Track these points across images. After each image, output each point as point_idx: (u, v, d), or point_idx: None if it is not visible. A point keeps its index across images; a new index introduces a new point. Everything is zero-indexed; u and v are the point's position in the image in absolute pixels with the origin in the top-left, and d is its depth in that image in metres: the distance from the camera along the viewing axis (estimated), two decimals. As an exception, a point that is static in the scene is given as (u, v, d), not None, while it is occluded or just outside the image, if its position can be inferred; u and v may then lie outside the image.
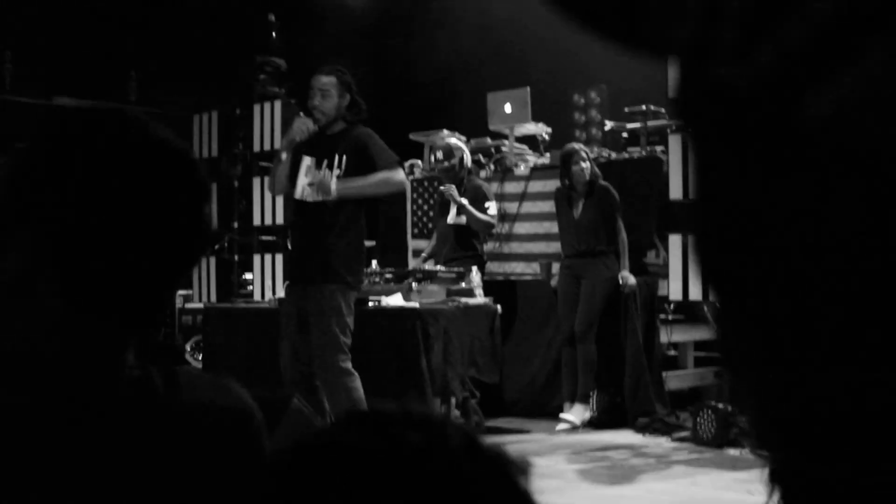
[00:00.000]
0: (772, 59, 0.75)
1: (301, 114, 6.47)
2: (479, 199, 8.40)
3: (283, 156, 6.33)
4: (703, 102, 0.83)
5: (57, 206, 1.21)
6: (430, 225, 9.66)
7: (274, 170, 6.48)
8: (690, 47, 0.88)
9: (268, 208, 10.08)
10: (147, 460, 1.21)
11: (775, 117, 0.75)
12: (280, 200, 9.75)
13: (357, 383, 6.09)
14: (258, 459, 1.29)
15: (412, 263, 9.46)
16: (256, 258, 10.05)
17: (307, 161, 6.24)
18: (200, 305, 10.47)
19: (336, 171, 6.12)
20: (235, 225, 10.64)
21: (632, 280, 7.94)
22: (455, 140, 8.70)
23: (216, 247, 10.78)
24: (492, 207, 8.41)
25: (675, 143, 7.85)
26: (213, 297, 10.36)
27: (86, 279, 1.22)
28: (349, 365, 6.09)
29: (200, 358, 10.05)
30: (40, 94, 11.95)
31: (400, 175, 6.24)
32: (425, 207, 9.96)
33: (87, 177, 1.22)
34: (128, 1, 13.08)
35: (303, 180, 6.24)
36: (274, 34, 10.64)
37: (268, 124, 10.18)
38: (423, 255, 8.87)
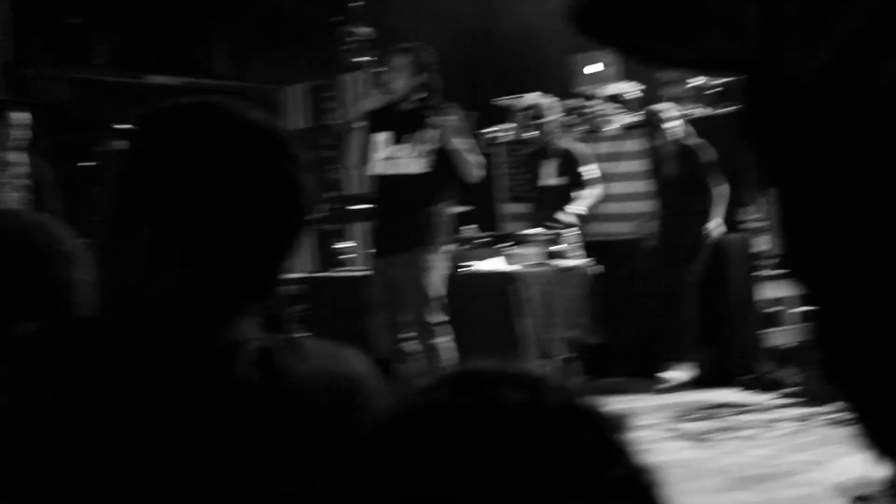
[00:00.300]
0: (834, 48, 0.81)
1: (374, 89, 6.56)
2: (574, 163, 8.37)
3: (357, 125, 6.40)
4: (778, 99, 0.88)
5: (173, 190, 1.32)
6: (525, 189, 9.62)
7: (347, 142, 6.56)
8: (757, 53, 0.94)
9: (363, 177, 10.12)
10: (265, 428, 1.25)
11: (846, 95, 0.80)
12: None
13: (450, 344, 6.16)
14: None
15: (509, 228, 9.46)
16: (355, 227, 10.13)
17: (383, 136, 6.31)
18: (301, 276, 10.59)
19: (422, 146, 6.19)
20: (331, 195, 10.73)
21: (716, 231, 7.82)
22: (546, 99, 8.67)
23: (313, 217, 10.86)
24: (589, 170, 8.38)
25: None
26: (314, 267, 10.46)
27: (204, 252, 1.32)
28: (443, 327, 6.16)
29: (302, 327, 10.18)
30: (132, 73, 12.13)
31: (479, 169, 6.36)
32: (515, 171, 9.92)
33: (196, 160, 1.33)
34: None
35: (379, 155, 6.32)
36: (361, 3, 10.66)
37: (357, 94, 10.23)
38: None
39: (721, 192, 7.84)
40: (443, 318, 6.16)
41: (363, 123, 6.37)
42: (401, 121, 6.27)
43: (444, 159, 6.23)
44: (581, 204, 8.26)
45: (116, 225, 1.37)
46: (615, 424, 0.90)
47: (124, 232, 1.34)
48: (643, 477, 0.87)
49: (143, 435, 1.22)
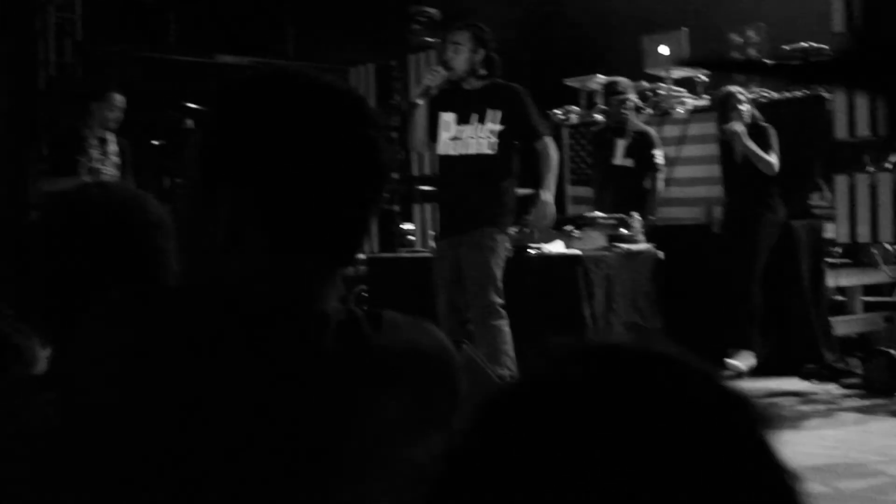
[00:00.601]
0: None
1: (435, 66, 6.54)
2: (646, 146, 8.34)
3: (419, 102, 6.39)
4: None
5: (253, 160, 1.34)
6: (590, 172, 9.60)
7: (410, 121, 6.56)
8: None
9: (426, 158, 10.17)
10: (354, 399, 1.27)
11: None
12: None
13: (507, 327, 6.16)
14: (456, 399, 1.33)
15: (572, 210, 9.44)
16: (416, 208, 10.17)
17: (447, 117, 6.31)
18: (362, 256, 10.66)
19: (489, 126, 6.19)
20: (395, 175, 10.78)
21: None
22: (621, 80, 8.67)
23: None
24: (658, 155, 8.35)
25: (840, 81, 7.61)
26: (375, 248, 10.53)
27: (288, 219, 1.34)
28: (502, 308, 6.16)
29: (364, 308, 10.25)
30: (202, 52, 12.25)
31: (552, 143, 6.36)
32: (582, 154, 9.89)
33: (274, 129, 1.34)
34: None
35: (445, 135, 6.33)
36: (427, -16, 10.68)
37: (423, 74, 10.24)
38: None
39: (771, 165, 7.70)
40: (500, 297, 6.15)
41: (425, 102, 6.37)
42: (465, 100, 6.28)
43: (508, 140, 6.24)
44: (647, 210, 8.19)
45: (199, 196, 1.39)
46: (766, 418, 0.84)
47: (207, 203, 1.36)
48: (789, 477, 0.83)
49: (233, 405, 1.24)
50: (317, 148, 1.34)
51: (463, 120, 6.27)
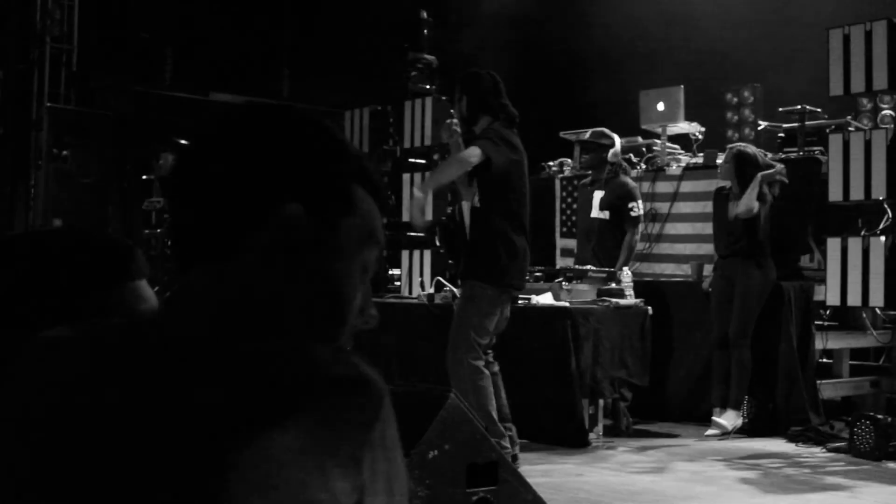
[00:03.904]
0: None
1: (449, 120, 6.54)
2: (623, 197, 8.30)
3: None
4: None
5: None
6: (573, 218, 9.59)
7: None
8: None
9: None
10: (237, 433, 1.17)
11: None
12: (430, 198, 9.82)
13: (486, 382, 6.11)
14: (367, 434, 1.22)
15: (560, 262, 9.41)
16: (404, 254, 10.12)
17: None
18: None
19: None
20: (384, 220, 10.73)
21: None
22: (609, 133, 8.63)
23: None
24: (636, 208, 8.29)
25: (834, 143, 7.63)
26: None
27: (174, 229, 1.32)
28: (479, 363, 6.10)
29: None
30: (198, 90, 12.26)
31: (469, 151, 6.15)
32: (575, 206, 9.88)
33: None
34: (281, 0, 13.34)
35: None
36: (426, 31, 10.69)
37: (419, 121, 10.23)
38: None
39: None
40: (475, 352, 6.10)
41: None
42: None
43: (492, 193, 6.22)
44: (619, 264, 8.13)
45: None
46: None
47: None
48: None
49: (91, 451, 1.17)
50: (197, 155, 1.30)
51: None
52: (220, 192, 1.26)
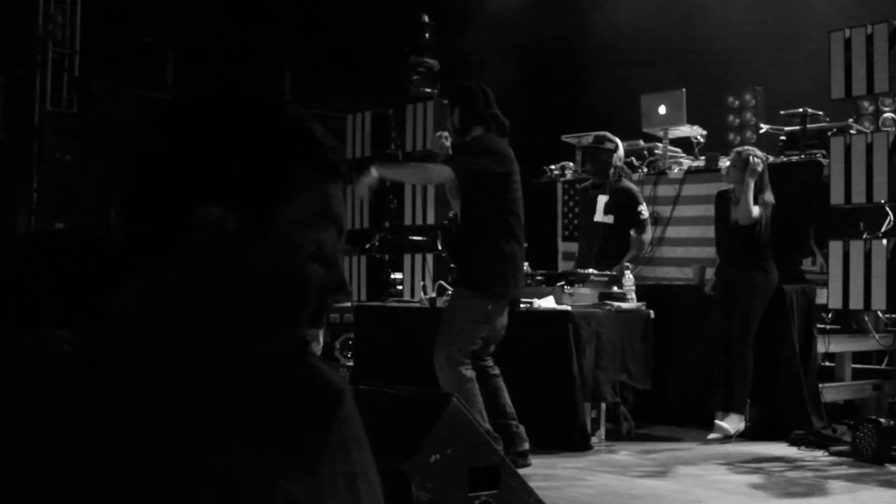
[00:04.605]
0: None
1: (440, 133, 6.68)
2: (631, 202, 8.32)
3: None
4: None
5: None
6: (576, 221, 9.59)
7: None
8: None
9: (419, 208, 10.14)
10: (184, 441, 1.15)
11: None
12: (431, 201, 9.83)
13: (470, 386, 6.17)
14: (325, 441, 1.19)
15: (562, 266, 9.41)
16: (407, 258, 10.12)
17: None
18: (348, 304, 10.59)
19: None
20: (386, 224, 10.74)
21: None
22: (611, 137, 8.62)
23: (367, 246, 10.89)
24: (644, 210, 8.33)
25: (836, 146, 7.63)
26: (364, 296, 10.46)
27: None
28: (462, 368, 6.15)
29: (350, 356, 10.17)
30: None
31: (439, 167, 6.25)
32: (576, 210, 9.88)
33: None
34: (282, 4, 13.34)
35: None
36: (427, 35, 10.70)
37: (420, 125, 10.24)
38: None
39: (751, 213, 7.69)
40: (460, 357, 6.15)
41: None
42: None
43: (471, 199, 6.25)
44: (624, 260, 8.16)
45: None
46: None
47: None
48: None
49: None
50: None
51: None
52: (146, 198, 1.22)
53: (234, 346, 1.21)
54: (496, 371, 6.42)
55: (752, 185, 7.61)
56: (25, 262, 1.63)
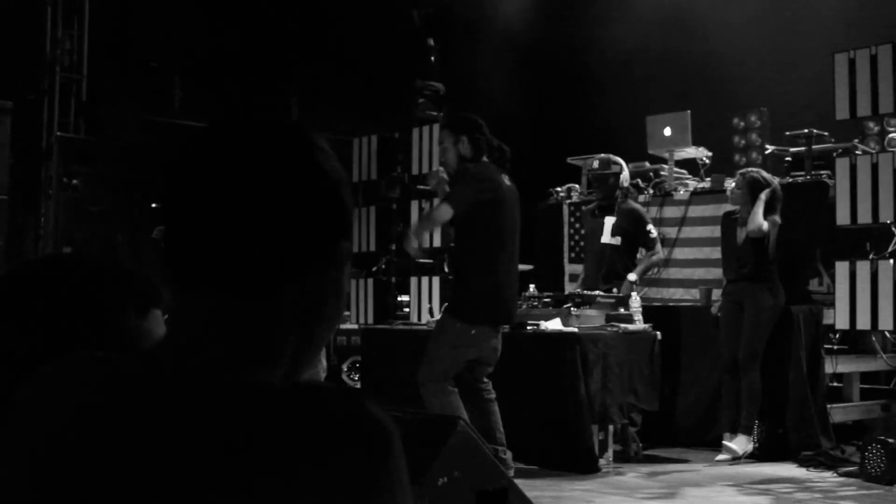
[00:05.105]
0: None
1: (436, 168, 6.79)
2: (639, 223, 8.34)
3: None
4: None
5: (164, 206, 1.31)
6: (582, 243, 9.60)
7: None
8: None
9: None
10: (241, 485, 1.15)
11: None
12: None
13: (451, 398, 6.26)
14: (376, 485, 1.19)
15: (569, 288, 9.41)
16: (413, 280, 10.13)
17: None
18: (354, 326, 10.60)
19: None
20: (393, 247, 10.76)
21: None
22: (615, 156, 8.63)
23: (373, 268, 10.90)
24: (652, 230, 8.36)
25: (841, 167, 7.64)
26: (370, 319, 10.47)
27: (178, 258, 1.26)
28: (442, 384, 6.25)
29: (357, 378, 10.18)
30: (206, 118, 12.31)
31: (440, 209, 6.35)
32: (582, 231, 9.89)
33: (173, 168, 1.27)
34: (289, 28, 13.40)
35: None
36: (433, 58, 10.75)
37: (426, 148, 10.27)
38: (580, 279, 8.87)
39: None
40: (439, 383, 6.22)
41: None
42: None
43: (466, 232, 6.33)
44: (634, 272, 8.18)
45: None
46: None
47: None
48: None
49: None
50: (187, 179, 1.25)
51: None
52: (277, 227, 1.23)
53: (295, 380, 1.24)
54: (492, 396, 6.45)
55: (763, 199, 7.62)
56: (54, 284, 1.65)
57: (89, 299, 1.63)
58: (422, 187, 10.48)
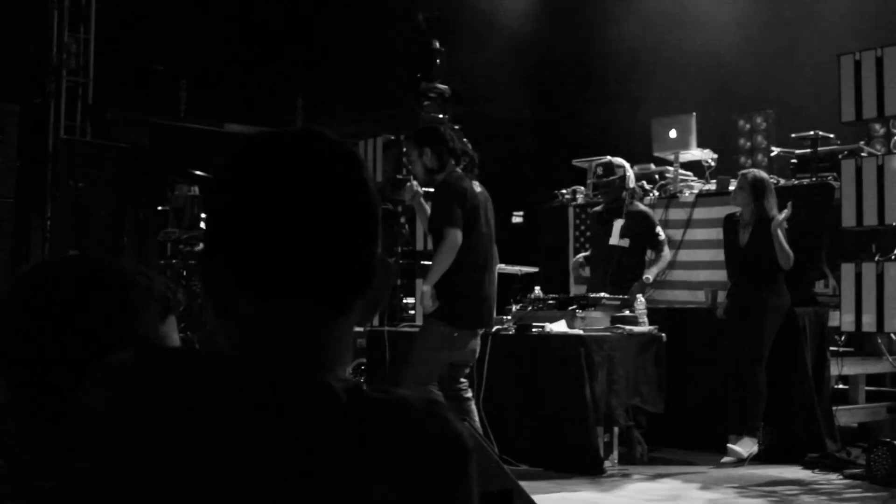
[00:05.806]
0: None
1: (409, 180, 6.85)
2: (649, 225, 8.32)
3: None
4: None
5: (218, 219, 1.34)
6: (587, 245, 9.58)
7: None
8: None
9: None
10: (336, 494, 1.18)
11: None
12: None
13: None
14: (462, 494, 1.22)
15: (574, 290, 9.41)
16: (418, 283, 10.13)
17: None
18: (360, 329, 10.59)
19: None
20: (398, 249, 10.76)
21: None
22: (618, 159, 8.61)
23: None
24: (661, 232, 8.35)
25: (847, 169, 7.63)
26: (375, 321, 10.47)
27: (254, 271, 1.29)
28: (425, 387, 6.30)
29: (362, 381, 10.18)
30: (212, 121, 12.33)
31: (450, 236, 6.37)
32: (588, 234, 9.88)
33: (234, 181, 1.32)
34: (294, 31, 13.42)
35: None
36: (438, 61, 10.74)
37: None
38: (580, 258, 8.88)
39: (791, 258, 7.65)
40: (420, 382, 6.29)
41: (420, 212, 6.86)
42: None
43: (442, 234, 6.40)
44: (650, 272, 8.19)
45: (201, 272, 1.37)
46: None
47: (204, 276, 1.34)
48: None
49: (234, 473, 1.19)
50: (275, 192, 1.29)
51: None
52: (362, 245, 1.32)
53: (382, 387, 1.28)
54: (469, 395, 6.61)
55: (781, 235, 7.58)
56: (83, 288, 1.65)
57: (119, 304, 1.64)
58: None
